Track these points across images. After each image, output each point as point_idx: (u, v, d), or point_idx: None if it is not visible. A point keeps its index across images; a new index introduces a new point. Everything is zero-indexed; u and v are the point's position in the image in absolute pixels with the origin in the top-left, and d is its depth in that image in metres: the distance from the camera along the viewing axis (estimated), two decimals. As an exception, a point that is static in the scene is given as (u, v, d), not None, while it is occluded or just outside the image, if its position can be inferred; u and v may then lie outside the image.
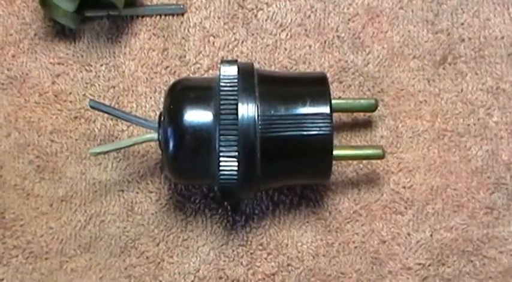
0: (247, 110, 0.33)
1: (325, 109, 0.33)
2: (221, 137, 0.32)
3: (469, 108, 0.38)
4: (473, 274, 0.36)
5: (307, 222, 0.37)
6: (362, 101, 0.36)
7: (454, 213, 0.37)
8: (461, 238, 0.37)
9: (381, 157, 0.35)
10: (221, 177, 0.33)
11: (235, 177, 0.33)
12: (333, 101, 0.35)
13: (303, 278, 0.37)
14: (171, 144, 0.33)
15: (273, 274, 0.37)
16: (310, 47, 0.39)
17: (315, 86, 0.34)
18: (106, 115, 0.38)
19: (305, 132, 0.33)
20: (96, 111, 0.38)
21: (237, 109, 0.33)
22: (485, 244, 0.37)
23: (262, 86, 0.34)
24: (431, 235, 0.37)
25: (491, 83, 0.38)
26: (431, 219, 0.37)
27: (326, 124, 0.33)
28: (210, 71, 0.39)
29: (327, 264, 0.37)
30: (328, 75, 0.38)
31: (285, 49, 0.39)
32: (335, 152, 0.34)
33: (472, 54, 0.38)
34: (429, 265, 0.37)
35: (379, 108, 0.37)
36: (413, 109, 0.38)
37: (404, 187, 0.37)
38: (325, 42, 0.39)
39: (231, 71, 0.34)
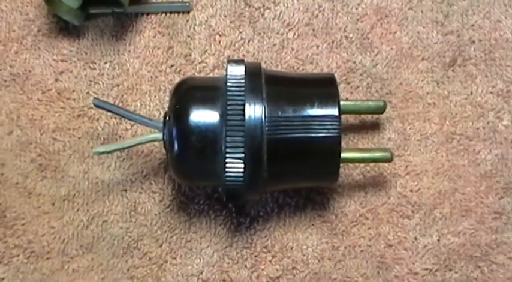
0: (255, 111, 0.32)
1: (334, 111, 0.33)
2: (227, 138, 0.32)
3: (479, 111, 0.38)
4: (481, 280, 0.36)
5: (313, 225, 0.37)
6: (370, 102, 0.36)
7: (462, 218, 0.37)
8: (469, 243, 0.36)
9: (389, 160, 0.35)
10: (227, 178, 0.32)
11: (241, 178, 0.32)
12: (341, 103, 0.34)
13: (307, 281, 0.36)
14: (176, 145, 0.33)
15: (278, 277, 0.36)
16: (317, 47, 0.39)
17: (324, 88, 0.34)
18: (110, 114, 0.38)
19: (313, 134, 0.32)
20: (100, 110, 0.37)
21: (244, 110, 0.32)
22: (493, 250, 0.36)
23: (269, 86, 0.33)
24: (438, 240, 0.36)
25: (501, 86, 0.38)
26: (439, 224, 0.37)
27: (334, 126, 0.32)
28: (216, 70, 0.38)
29: (333, 267, 0.36)
30: (335, 76, 0.38)
31: (292, 49, 0.39)
32: (343, 155, 0.33)
33: (482, 56, 0.38)
34: (436, 270, 0.36)
35: (387, 110, 0.37)
36: (421, 111, 0.38)
37: (411, 191, 0.37)
38: (332, 42, 0.38)
39: (238, 70, 0.33)
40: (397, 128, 0.38)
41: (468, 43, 0.38)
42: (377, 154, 0.35)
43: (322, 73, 0.38)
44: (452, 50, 0.38)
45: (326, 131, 0.32)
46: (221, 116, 0.32)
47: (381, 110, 0.36)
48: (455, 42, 0.38)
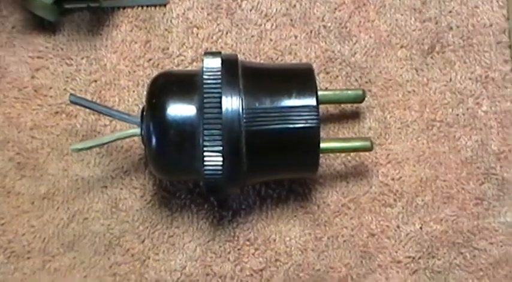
0: (232, 103, 0.32)
1: (312, 101, 0.32)
2: (205, 131, 0.32)
3: (458, 97, 0.37)
4: (463, 266, 0.36)
5: (295, 216, 0.37)
6: (349, 91, 0.36)
7: (443, 205, 0.36)
8: (451, 230, 0.36)
9: (369, 149, 0.35)
10: (205, 172, 0.32)
11: (220, 172, 0.32)
12: (320, 93, 0.34)
13: (291, 273, 0.36)
14: (154, 140, 0.33)
15: (261, 270, 0.36)
16: (296, 37, 0.38)
17: (301, 78, 0.33)
18: (88, 110, 0.37)
19: (291, 125, 0.32)
20: (78, 106, 0.37)
21: (220, 102, 0.32)
22: (475, 236, 0.36)
23: (246, 78, 0.33)
24: (421, 227, 0.36)
25: (480, 72, 0.38)
26: (421, 211, 0.36)
27: (313, 116, 0.32)
28: (194, 63, 0.38)
29: (316, 258, 0.36)
30: (314, 66, 0.37)
31: (271, 40, 0.38)
32: (322, 145, 0.33)
33: (460, 42, 0.38)
34: (419, 258, 0.36)
35: (366, 99, 0.37)
36: (401, 99, 0.37)
37: (393, 179, 0.37)
38: (311, 32, 0.38)
39: (214, 63, 0.33)
40: (377, 117, 0.37)
41: (446, 30, 0.38)
42: (357, 143, 0.35)
43: (300, 63, 0.37)
44: (430, 37, 0.38)
45: (304, 121, 0.32)
46: (198, 109, 0.32)
47: (360, 99, 0.36)
48: (434, 29, 0.38)
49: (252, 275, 0.36)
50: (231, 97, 0.32)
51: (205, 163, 0.32)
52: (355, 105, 0.37)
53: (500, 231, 0.36)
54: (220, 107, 0.32)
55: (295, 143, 0.32)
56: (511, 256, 0.36)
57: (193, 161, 0.32)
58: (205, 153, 0.32)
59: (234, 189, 0.34)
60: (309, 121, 0.32)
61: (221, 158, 0.32)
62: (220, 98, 0.32)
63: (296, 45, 0.38)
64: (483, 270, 0.36)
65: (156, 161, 0.33)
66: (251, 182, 0.36)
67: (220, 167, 0.32)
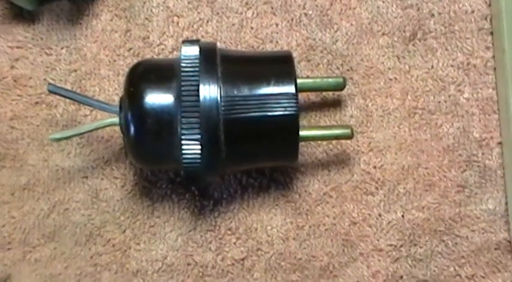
0: (209, 91, 0.32)
1: (290, 88, 0.32)
2: (183, 119, 0.31)
3: (440, 85, 0.37)
4: (445, 254, 0.36)
5: (277, 205, 0.37)
6: (330, 79, 0.35)
7: (425, 193, 0.36)
8: (433, 217, 0.36)
9: (349, 137, 0.34)
10: (184, 160, 0.32)
11: (198, 160, 0.32)
12: (300, 80, 0.33)
13: (273, 262, 0.36)
14: (132, 129, 0.32)
15: (243, 259, 0.36)
16: (277, 25, 0.38)
17: (280, 65, 0.33)
18: (68, 100, 0.37)
19: (270, 113, 0.32)
20: (58, 96, 0.37)
21: (198, 90, 0.32)
22: (457, 223, 0.36)
23: (224, 65, 0.33)
24: (402, 215, 0.36)
25: (461, 59, 0.37)
26: (403, 199, 0.36)
27: (291, 104, 0.32)
28: (175, 52, 0.38)
29: (298, 247, 0.36)
30: (295, 54, 0.37)
31: (251, 28, 0.38)
32: (302, 133, 0.33)
33: (442, 29, 0.37)
34: (401, 246, 0.36)
35: (348, 87, 0.36)
36: (383, 87, 0.37)
37: (375, 167, 0.37)
38: (292, 20, 0.38)
39: (192, 51, 0.33)
40: (358, 105, 0.37)
41: (428, 16, 0.38)
42: (337, 131, 0.34)
43: (279, 51, 0.37)
44: (412, 24, 0.38)
45: (283, 109, 0.32)
46: (176, 97, 0.32)
47: (341, 87, 0.35)
48: (415, 16, 0.38)
49: (233, 264, 0.36)
50: (209, 85, 0.32)
51: (184, 151, 0.32)
52: (337, 93, 0.37)
53: (482, 218, 0.36)
54: (198, 95, 0.31)
55: (275, 131, 0.32)
56: (493, 243, 0.36)
57: (171, 150, 0.32)
58: (183, 142, 0.31)
59: (214, 177, 0.34)
60: (288, 109, 0.32)
61: (199, 146, 0.31)
62: (198, 85, 0.32)
63: (277, 33, 0.38)
64: (465, 258, 0.36)
65: (134, 150, 0.33)
66: (231, 170, 0.35)
67: (198, 155, 0.32)
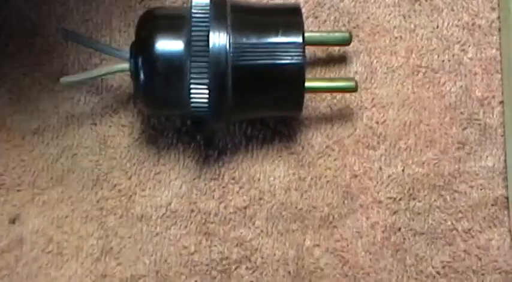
0: (219, 38, 0.32)
1: (298, 38, 0.33)
2: (192, 64, 0.32)
3: (444, 44, 0.38)
4: (443, 208, 0.37)
5: (280, 156, 0.37)
6: (336, 33, 0.36)
7: (426, 149, 0.37)
8: (433, 173, 0.37)
9: (353, 90, 0.35)
10: (192, 104, 0.33)
11: (206, 105, 0.33)
12: (307, 34, 0.34)
13: (274, 211, 0.37)
14: (142, 73, 0.33)
15: (245, 207, 0.37)
16: (286, -18, 0.39)
17: (288, 16, 0.34)
18: (79, 50, 0.38)
19: (277, 61, 0.33)
20: (69, 44, 0.37)
21: (208, 37, 0.32)
22: (456, 179, 0.37)
23: (234, 14, 0.33)
24: (403, 170, 0.37)
25: (466, 19, 0.38)
26: (404, 154, 0.37)
27: (298, 53, 0.33)
28: (185, 5, 0.39)
29: (299, 198, 0.37)
30: (303, 10, 0.38)
31: (261, -16, 0.39)
32: (307, 84, 0.34)
33: (448, -11, 0.38)
34: (400, 199, 0.37)
35: (353, 44, 0.37)
36: (388, 45, 0.38)
37: (377, 122, 0.37)
38: (301, -23, 0.39)
39: (203, 0, 0.33)
40: (363, 62, 0.38)
41: (435, -23, 0.38)
42: (342, 84, 0.35)
43: (288, 3, 0.38)
44: (419, -17, 0.38)
45: (290, 57, 0.33)
46: (186, 43, 0.33)
47: (347, 42, 0.36)
48: (422, -24, 0.38)
49: (235, 212, 0.37)
50: (219, 32, 0.33)
51: (192, 95, 0.32)
52: (342, 49, 0.38)
53: (481, 175, 0.37)
54: (208, 41, 0.32)
55: (281, 79, 0.33)
56: (490, 199, 0.37)
57: (180, 95, 0.33)
58: (191, 86, 0.32)
59: (220, 124, 0.35)
60: (295, 58, 0.33)
61: (207, 91, 0.32)
62: (208, 31, 0.32)
63: (286, -10, 0.39)
64: (462, 213, 0.37)
65: (144, 94, 0.34)
66: (237, 118, 0.36)
67: (206, 100, 0.32)
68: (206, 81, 0.32)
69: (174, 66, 0.33)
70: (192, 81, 0.32)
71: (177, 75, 0.33)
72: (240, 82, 0.33)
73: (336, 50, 0.38)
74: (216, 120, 0.34)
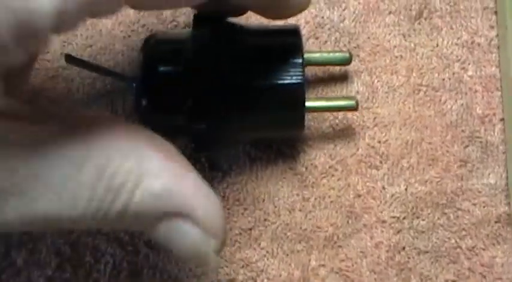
0: (220, 60, 0.33)
1: (297, 59, 0.33)
2: (193, 86, 0.33)
3: (444, 62, 0.38)
4: (446, 226, 0.37)
5: (284, 177, 0.38)
6: (336, 54, 0.36)
7: (428, 167, 0.37)
8: (436, 191, 0.37)
9: (354, 109, 0.36)
10: (193, 127, 0.33)
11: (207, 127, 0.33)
12: (308, 54, 0.35)
13: (279, 232, 0.37)
14: (144, 102, 0.34)
15: (250, 229, 0.37)
16: (286, 4, 0.39)
17: (287, 37, 0.34)
18: (84, 75, 0.38)
19: (277, 82, 0.33)
20: (74, 69, 0.38)
21: (209, 59, 0.33)
22: (459, 196, 0.37)
23: (235, 36, 0.34)
24: (406, 189, 0.37)
25: (466, 37, 0.38)
26: (406, 173, 0.37)
27: (298, 73, 0.33)
28: (187, 28, 0.39)
29: (303, 218, 0.37)
30: (304, 31, 0.38)
31: (262, 6, 0.39)
32: (308, 103, 0.34)
33: (447, 8, 0.38)
34: (403, 218, 0.37)
35: (354, 63, 0.37)
36: (389, 64, 0.38)
37: (379, 142, 0.38)
38: (301, -1, 0.39)
39: (203, 29, 0.34)
40: (365, 81, 0.38)
41: (434, -4, 0.39)
42: (342, 103, 0.36)
43: (287, 25, 0.38)
44: (418, 2, 0.39)
45: (290, 78, 0.33)
46: (188, 66, 0.33)
47: (347, 61, 0.36)
48: (421, -4, 0.39)
49: (241, 233, 0.37)
50: (220, 54, 0.33)
51: (193, 117, 0.33)
52: (343, 69, 0.38)
53: (483, 192, 0.37)
54: (209, 63, 0.33)
55: (281, 100, 0.33)
56: (493, 216, 0.37)
57: (182, 117, 0.33)
58: (192, 108, 0.33)
59: (223, 146, 0.35)
60: (294, 77, 0.33)
61: (208, 111, 0.33)
62: (209, 54, 0.33)
63: (287, 11, 0.39)
64: (466, 230, 0.37)
65: (146, 122, 0.34)
66: (239, 138, 0.37)
67: (206, 123, 0.33)
68: (207, 103, 0.33)
69: (176, 89, 0.33)
70: (193, 102, 0.33)
71: (178, 98, 0.33)
72: (241, 102, 0.33)
73: (337, 70, 0.38)
74: (218, 142, 0.34)
